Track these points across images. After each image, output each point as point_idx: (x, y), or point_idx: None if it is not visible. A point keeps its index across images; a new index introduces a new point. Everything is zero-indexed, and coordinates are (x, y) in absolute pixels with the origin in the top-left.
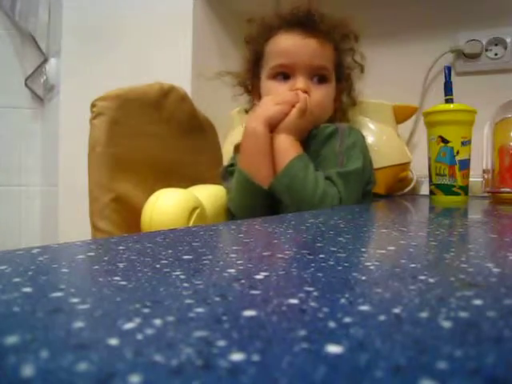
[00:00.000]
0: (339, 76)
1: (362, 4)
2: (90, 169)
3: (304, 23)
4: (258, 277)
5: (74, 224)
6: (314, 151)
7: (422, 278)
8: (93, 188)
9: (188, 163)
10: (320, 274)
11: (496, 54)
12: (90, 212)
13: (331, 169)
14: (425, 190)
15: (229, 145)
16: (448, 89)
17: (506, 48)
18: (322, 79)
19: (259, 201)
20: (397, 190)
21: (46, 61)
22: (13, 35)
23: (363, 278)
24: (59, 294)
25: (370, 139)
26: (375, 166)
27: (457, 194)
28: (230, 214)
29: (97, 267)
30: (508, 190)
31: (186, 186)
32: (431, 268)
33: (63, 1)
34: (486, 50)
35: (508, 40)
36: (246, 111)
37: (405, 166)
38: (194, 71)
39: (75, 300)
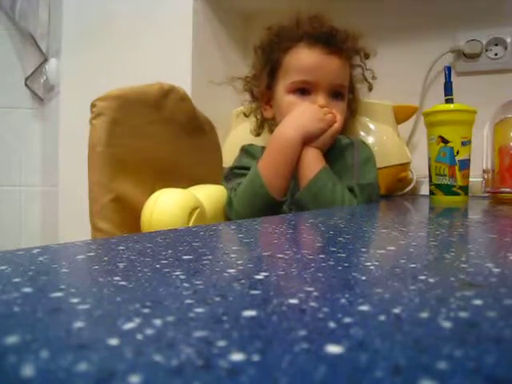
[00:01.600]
0: (349, 90)
1: (362, 5)
2: (90, 169)
3: (326, 39)
4: (258, 277)
5: (74, 224)
6: (331, 162)
7: (422, 278)
8: (93, 188)
9: (188, 163)
10: (320, 274)
11: (496, 54)
12: (90, 212)
13: (348, 180)
14: (425, 190)
15: (229, 145)
16: (448, 89)
17: (506, 48)
18: (339, 96)
19: (265, 205)
20: (397, 190)
21: (45, 61)
22: (13, 35)
23: (363, 278)
24: (59, 294)
25: (370, 139)
26: (376, 165)
27: (457, 194)
28: (230, 206)
29: (97, 267)
30: (508, 190)
31: (185, 186)
32: (431, 268)
33: (63, 1)
34: (486, 50)
35: (508, 40)
36: (245, 115)
37: (405, 166)
38: (193, 71)
39: (75, 300)
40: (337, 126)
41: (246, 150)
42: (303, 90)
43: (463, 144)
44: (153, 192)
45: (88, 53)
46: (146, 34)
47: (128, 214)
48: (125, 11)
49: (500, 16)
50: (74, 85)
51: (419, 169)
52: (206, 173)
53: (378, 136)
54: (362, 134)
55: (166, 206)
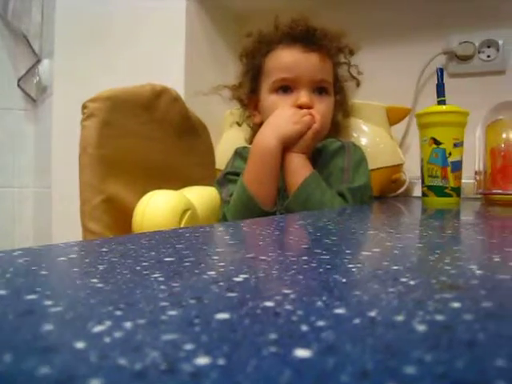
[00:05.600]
0: (335, 89)
1: (355, 6)
2: (81, 170)
3: (304, 38)
4: (237, 279)
5: (68, 225)
6: (321, 166)
7: (403, 280)
8: (84, 189)
9: (180, 164)
10: (300, 277)
11: (488, 56)
12: (81, 213)
13: (338, 184)
14: (417, 191)
15: (222, 146)
16: (440, 90)
17: (498, 50)
18: (323, 92)
19: (257, 216)
20: (389, 192)
21: (38, 62)
22: (5, 36)
23: (343, 280)
24: (33, 296)
25: (362, 141)
26: (369, 166)
27: (449, 195)
28: (225, 220)
29: (76, 269)
30: (500, 191)
31: (177, 188)
32: (413, 270)
33: (56, 1)
34: (479, 52)
35: (500, 42)
36: (239, 124)
37: (398, 167)
38: (186, 72)
39: (48, 302)
40: (316, 126)
41: (240, 153)
42: (285, 89)
43: (455, 145)
44: (144, 193)
45: (81, 54)
46: (139, 34)
47: (119, 215)
48: (118, 12)
49: (493, 18)
50: (66, 86)
51: (412, 170)
52: (199, 174)
53: (371, 137)
54: (355, 135)
55: (157, 208)
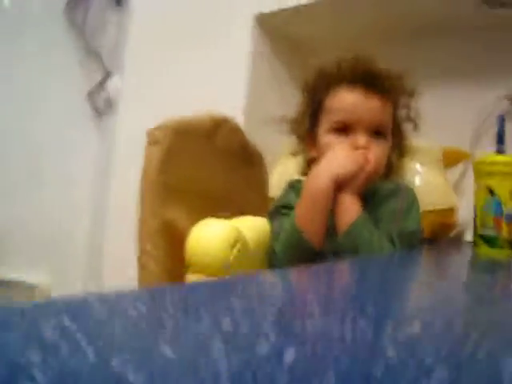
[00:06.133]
0: (393, 131)
1: (417, 45)
2: (142, 193)
3: (366, 80)
4: (286, 355)
5: (121, 244)
6: (373, 207)
7: (438, 374)
8: (143, 212)
9: (237, 193)
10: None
11: None
12: (139, 234)
13: (389, 225)
14: (469, 236)
15: (277, 175)
16: (500, 138)
17: None
18: (380, 135)
19: (307, 256)
20: (441, 235)
21: (108, 76)
22: (79, 49)
23: (380, 372)
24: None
25: (416, 181)
26: (421, 208)
27: (502, 247)
28: (273, 252)
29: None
30: None
31: (232, 217)
32: (451, 360)
33: (131, 21)
34: None
35: None
36: (294, 155)
37: (450, 210)
38: (248, 98)
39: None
40: (370, 169)
41: (292, 186)
42: (343, 129)
43: None
44: (200, 221)
45: (149, 72)
46: (205, 60)
47: (175, 240)
48: (187, 37)
49: None
50: (133, 102)
51: (465, 215)
52: (254, 204)
53: (425, 179)
54: (409, 176)
55: (207, 238)
